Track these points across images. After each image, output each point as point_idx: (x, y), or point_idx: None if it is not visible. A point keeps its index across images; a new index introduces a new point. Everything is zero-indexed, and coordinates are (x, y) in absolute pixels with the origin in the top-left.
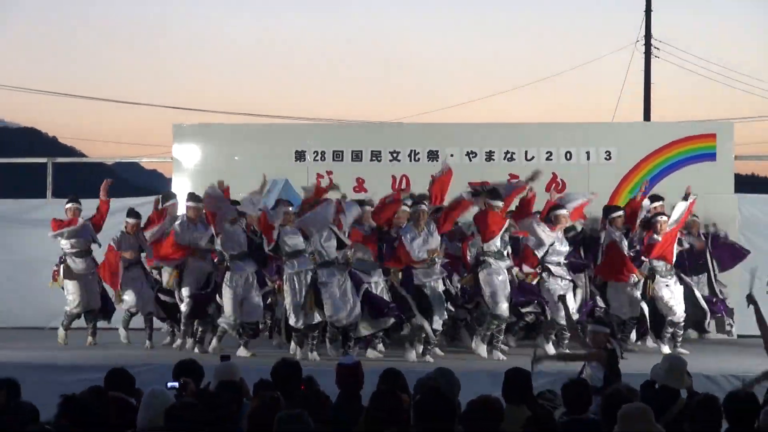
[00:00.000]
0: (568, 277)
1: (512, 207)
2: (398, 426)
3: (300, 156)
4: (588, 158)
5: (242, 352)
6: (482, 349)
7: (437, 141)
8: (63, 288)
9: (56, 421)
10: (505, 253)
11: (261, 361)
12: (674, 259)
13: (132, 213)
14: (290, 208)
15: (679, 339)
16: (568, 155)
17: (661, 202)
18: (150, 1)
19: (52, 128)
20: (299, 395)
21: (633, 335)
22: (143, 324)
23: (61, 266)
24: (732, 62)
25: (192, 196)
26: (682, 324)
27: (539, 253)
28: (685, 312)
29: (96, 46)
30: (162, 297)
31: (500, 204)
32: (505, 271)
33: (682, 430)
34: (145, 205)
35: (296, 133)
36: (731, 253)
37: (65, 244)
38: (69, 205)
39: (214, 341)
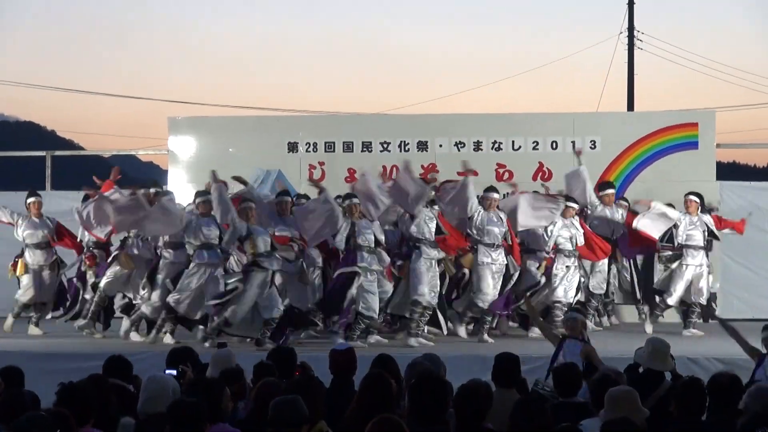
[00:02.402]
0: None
1: None
2: (387, 409)
3: (293, 147)
4: (573, 147)
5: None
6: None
7: (426, 131)
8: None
9: (54, 408)
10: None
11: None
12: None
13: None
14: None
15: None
16: (554, 144)
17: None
18: None
19: (50, 122)
20: (294, 381)
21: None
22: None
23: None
24: (713, 52)
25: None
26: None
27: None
28: None
29: (93, 42)
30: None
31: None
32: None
33: (667, 412)
34: None
35: (289, 125)
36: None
37: (27, 236)
38: (31, 200)
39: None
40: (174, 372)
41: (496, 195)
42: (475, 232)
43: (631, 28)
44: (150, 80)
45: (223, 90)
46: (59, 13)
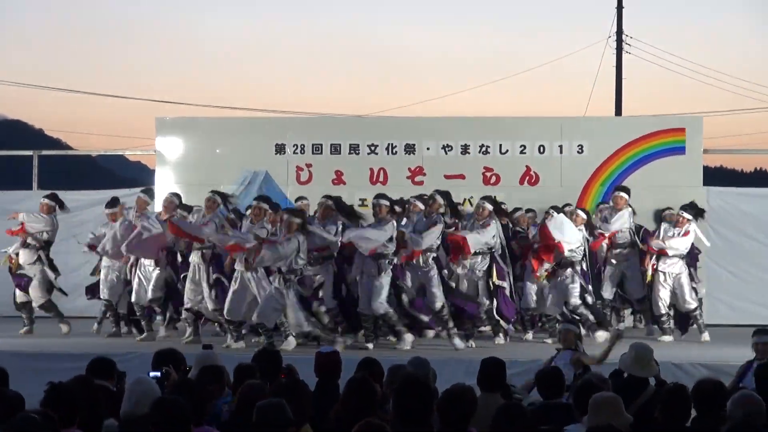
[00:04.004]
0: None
1: None
2: (371, 413)
3: (280, 149)
4: (561, 152)
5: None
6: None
7: (414, 134)
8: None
9: (41, 408)
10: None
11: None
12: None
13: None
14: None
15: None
16: (542, 149)
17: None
18: None
19: (38, 121)
20: (280, 384)
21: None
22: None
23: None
24: (702, 57)
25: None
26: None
27: None
28: None
29: (82, 40)
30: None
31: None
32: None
33: (651, 418)
34: (131, 196)
35: (276, 127)
36: None
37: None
38: (44, 201)
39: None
40: (158, 374)
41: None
42: None
43: (619, 32)
44: (139, 80)
45: (212, 90)
46: (48, 11)
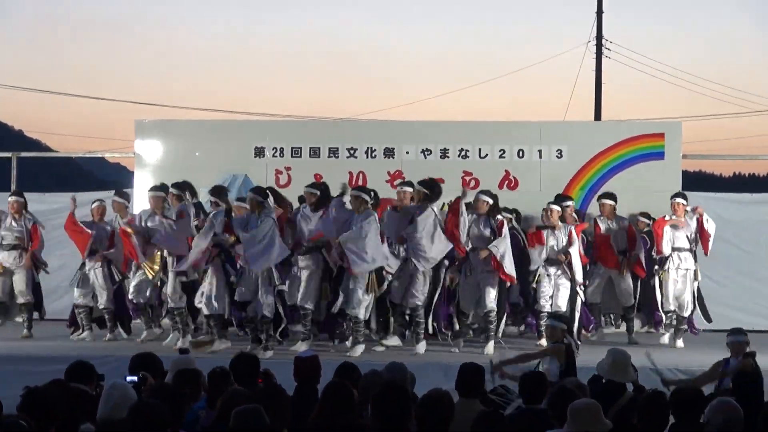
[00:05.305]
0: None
1: None
2: (348, 418)
3: (259, 152)
4: (540, 156)
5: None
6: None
7: (393, 138)
8: None
9: (18, 413)
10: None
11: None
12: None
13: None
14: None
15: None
16: (521, 153)
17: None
18: None
19: (18, 122)
20: (258, 390)
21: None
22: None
23: None
24: (680, 63)
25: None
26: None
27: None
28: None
29: (62, 42)
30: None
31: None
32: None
33: (629, 424)
34: (110, 198)
35: (256, 130)
36: None
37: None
38: (11, 199)
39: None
40: (135, 378)
41: (486, 198)
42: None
43: (599, 36)
44: (119, 82)
45: (191, 93)
46: (28, 13)
